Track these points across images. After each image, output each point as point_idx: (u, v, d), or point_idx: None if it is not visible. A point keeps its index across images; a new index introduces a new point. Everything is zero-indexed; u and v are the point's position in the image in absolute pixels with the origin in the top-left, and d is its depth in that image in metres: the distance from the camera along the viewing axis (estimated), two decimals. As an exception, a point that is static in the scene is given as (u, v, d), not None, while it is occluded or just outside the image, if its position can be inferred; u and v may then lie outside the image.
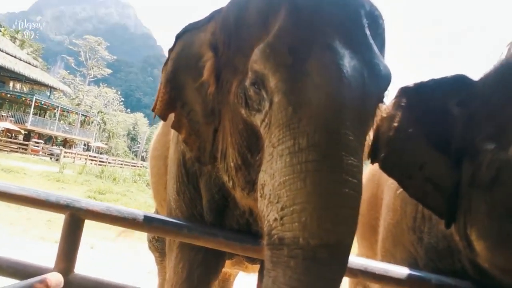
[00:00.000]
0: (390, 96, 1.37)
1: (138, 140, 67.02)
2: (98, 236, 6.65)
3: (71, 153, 31.25)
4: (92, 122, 45.53)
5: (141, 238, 5.83)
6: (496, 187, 1.15)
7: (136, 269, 5.29)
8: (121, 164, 34.58)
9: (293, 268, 0.86)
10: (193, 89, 1.35)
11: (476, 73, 1.33)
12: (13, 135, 32.46)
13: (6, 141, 28.00)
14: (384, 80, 1.07)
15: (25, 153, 26.42)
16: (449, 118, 1.32)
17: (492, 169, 1.16)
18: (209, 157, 1.35)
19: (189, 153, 1.50)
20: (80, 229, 1.47)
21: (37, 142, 30.87)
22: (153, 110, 1.49)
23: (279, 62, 0.99)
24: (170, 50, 1.42)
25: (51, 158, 27.72)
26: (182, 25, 1.44)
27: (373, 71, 1.02)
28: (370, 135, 1.37)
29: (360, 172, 0.94)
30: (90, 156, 32.11)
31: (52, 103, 36.54)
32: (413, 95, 1.39)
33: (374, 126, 1.35)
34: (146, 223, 1.46)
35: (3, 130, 30.25)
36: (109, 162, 31.85)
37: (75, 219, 1.45)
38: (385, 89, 1.11)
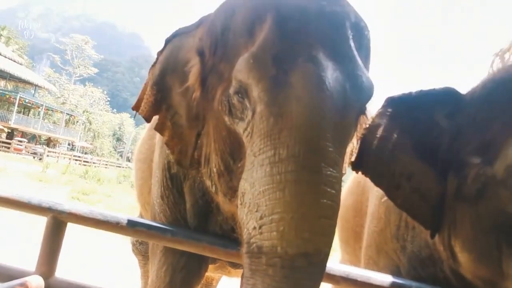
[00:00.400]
0: (375, 105, 1.38)
1: (124, 140, 66.23)
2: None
3: (55, 152, 30.76)
4: (77, 122, 45.05)
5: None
6: (480, 202, 1.17)
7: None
8: (106, 164, 34.28)
9: (272, 276, 0.87)
10: (178, 93, 1.36)
11: (462, 84, 1.33)
12: (-5, 133, 31.81)
13: (-12, 139, 27.41)
14: (366, 92, 1.08)
15: (8, 152, 25.86)
16: (436, 130, 1.33)
17: (478, 183, 1.18)
18: (190, 161, 1.35)
19: (171, 155, 1.51)
20: (62, 232, 1.46)
21: (20, 141, 30.21)
22: (133, 109, 1.49)
23: (263, 73, 1.00)
24: (159, 53, 1.42)
25: (34, 157, 27.28)
26: (170, 26, 1.44)
27: (356, 83, 1.03)
28: (354, 143, 1.38)
29: (339, 183, 0.95)
30: (74, 156, 31.71)
31: (37, 101, 36.10)
32: (400, 105, 1.39)
33: (359, 135, 1.36)
34: (129, 227, 1.46)
35: (-15, 128, 29.65)
36: (93, 162, 31.47)
37: (57, 222, 1.44)
38: (367, 100, 1.13)
